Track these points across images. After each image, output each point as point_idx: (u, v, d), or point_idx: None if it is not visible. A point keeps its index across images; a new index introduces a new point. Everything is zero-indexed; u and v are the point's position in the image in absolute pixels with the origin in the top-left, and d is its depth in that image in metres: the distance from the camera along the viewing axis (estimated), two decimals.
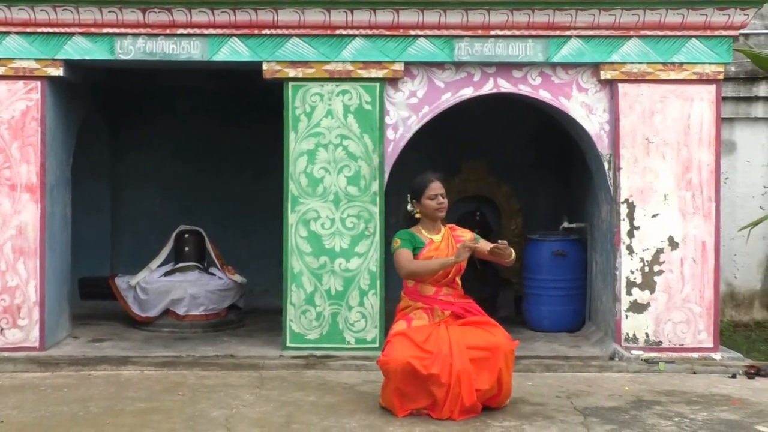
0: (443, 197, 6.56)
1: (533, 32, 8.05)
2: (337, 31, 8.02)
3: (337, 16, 7.95)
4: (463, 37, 8.07)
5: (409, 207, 6.63)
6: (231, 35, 8.03)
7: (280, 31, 8.01)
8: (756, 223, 8.77)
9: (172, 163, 10.68)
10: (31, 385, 7.21)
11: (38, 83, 8.03)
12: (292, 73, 8.09)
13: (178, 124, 10.63)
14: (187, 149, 10.64)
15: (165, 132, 10.66)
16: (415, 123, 8.16)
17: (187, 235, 9.74)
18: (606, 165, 8.22)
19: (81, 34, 7.99)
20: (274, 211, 8.50)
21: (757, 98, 10.40)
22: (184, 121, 10.63)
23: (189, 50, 8.05)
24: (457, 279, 6.61)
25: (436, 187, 6.55)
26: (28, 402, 6.68)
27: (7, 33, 7.95)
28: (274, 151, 8.53)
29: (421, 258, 6.48)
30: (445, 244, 6.57)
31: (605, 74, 8.12)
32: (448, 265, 6.44)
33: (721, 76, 8.14)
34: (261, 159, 10.24)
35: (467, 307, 6.60)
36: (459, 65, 8.18)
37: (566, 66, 8.18)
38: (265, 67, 8.07)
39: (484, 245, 6.58)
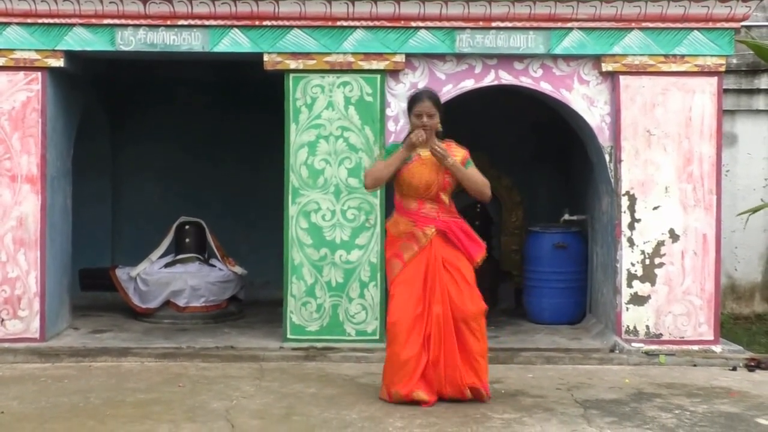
0: (429, 117, 6.49)
1: (534, 24, 8.03)
2: (338, 23, 8.01)
3: (338, 8, 7.94)
4: (464, 28, 8.06)
5: None
6: (232, 26, 8.02)
7: (281, 23, 8.00)
8: (755, 210, 8.76)
9: (173, 155, 10.66)
10: (32, 376, 7.21)
11: (39, 74, 8.02)
12: (293, 64, 8.08)
13: (179, 116, 10.61)
14: (188, 140, 10.63)
15: (166, 123, 10.64)
16: None
17: (187, 227, 9.73)
18: (607, 157, 8.21)
19: (82, 25, 7.98)
20: (275, 202, 8.49)
21: (758, 90, 10.39)
22: (185, 113, 10.61)
23: (190, 41, 8.04)
24: (442, 195, 6.54)
25: (423, 107, 6.51)
26: (28, 393, 6.68)
27: (8, 24, 7.93)
28: (275, 142, 8.52)
29: (405, 171, 6.47)
30: (433, 160, 6.49)
31: (606, 66, 8.11)
32: (399, 159, 6.45)
33: (722, 69, 8.13)
34: (262, 150, 10.23)
35: (451, 225, 6.51)
36: (460, 57, 8.17)
37: (567, 58, 8.17)
38: (266, 58, 8.06)
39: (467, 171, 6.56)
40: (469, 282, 6.49)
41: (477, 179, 6.58)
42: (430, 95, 6.63)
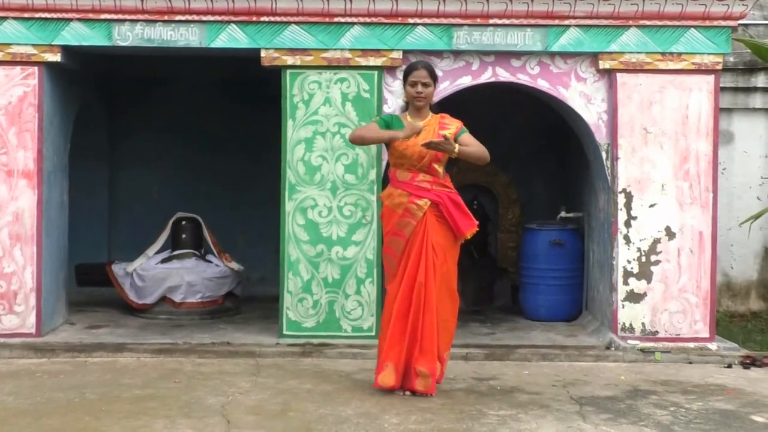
0: (424, 86, 6.55)
1: (532, 21, 8.03)
2: (336, 19, 8.00)
3: (336, 4, 7.94)
4: (461, 25, 8.06)
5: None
6: (229, 22, 8.01)
7: (278, 19, 8.00)
8: (757, 216, 8.75)
9: (169, 150, 10.66)
10: (27, 371, 7.21)
11: (36, 69, 8.01)
12: (290, 60, 8.08)
13: (176, 111, 10.61)
14: (184, 136, 10.62)
15: (163, 119, 10.63)
16: None
17: (184, 223, 9.73)
18: (604, 155, 8.22)
19: (79, 20, 7.96)
20: (272, 198, 8.50)
21: (755, 89, 10.39)
22: (181, 108, 10.60)
23: (187, 37, 8.03)
24: (436, 166, 6.54)
25: (418, 75, 6.57)
26: (24, 388, 6.68)
27: (5, 18, 7.92)
28: (271, 138, 8.52)
29: (398, 141, 6.51)
30: (427, 130, 6.54)
31: (604, 64, 8.11)
32: (395, 138, 6.49)
33: (719, 67, 8.13)
34: (259, 146, 10.23)
35: (443, 197, 6.52)
36: (457, 54, 8.17)
37: (565, 55, 8.18)
38: (263, 54, 8.06)
39: (464, 142, 6.59)
40: (449, 275, 6.55)
41: (477, 152, 6.62)
42: (425, 65, 6.71)
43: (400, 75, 8.12)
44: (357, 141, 6.86)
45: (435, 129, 6.57)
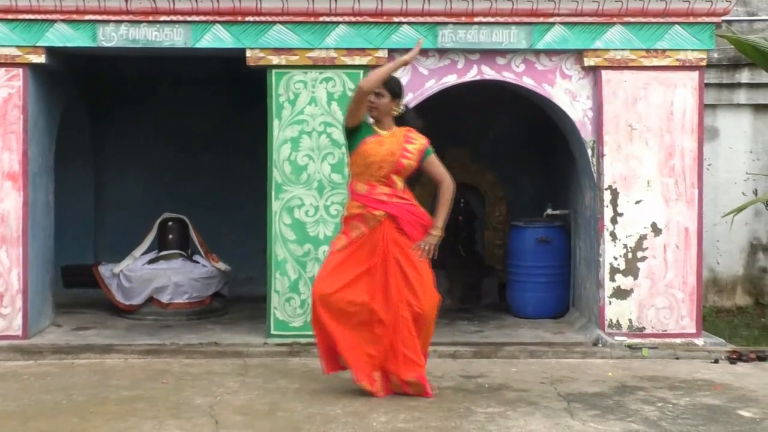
0: (377, 97, 6.47)
1: (517, 19, 8.05)
2: (321, 19, 8.00)
3: (321, 3, 7.93)
4: (446, 24, 8.07)
5: None
6: (214, 22, 8.00)
7: (263, 18, 7.99)
8: (739, 210, 8.81)
9: (155, 150, 10.64)
10: (14, 373, 7.19)
11: (20, 70, 7.98)
12: (275, 60, 8.07)
13: (161, 111, 10.58)
14: (170, 136, 10.60)
15: (148, 119, 10.61)
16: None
17: (170, 223, 9.71)
18: (589, 152, 8.24)
19: (63, 21, 7.94)
20: (258, 198, 8.49)
21: (739, 85, 10.44)
22: (167, 108, 10.57)
23: (172, 37, 8.02)
24: (395, 178, 6.48)
25: None
26: (10, 390, 6.66)
27: None
28: (257, 138, 8.52)
29: (361, 147, 6.45)
30: (391, 141, 6.48)
31: (589, 61, 8.13)
32: (405, 62, 6.55)
33: (703, 63, 8.16)
34: (244, 146, 10.22)
35: (402, 210, 6.45)
36: (443, 52, 8.17)
37: (550, 53, 8.19)
38: (248, 54, 8.05)
39: (433, 165, 6.59)
40: (420, 273, 6.45)
41: (449, 198, 6.57)
42: None
43: None
44: (368, 87, 6.45)
45: (401, 142, 6.50)
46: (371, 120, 6.59)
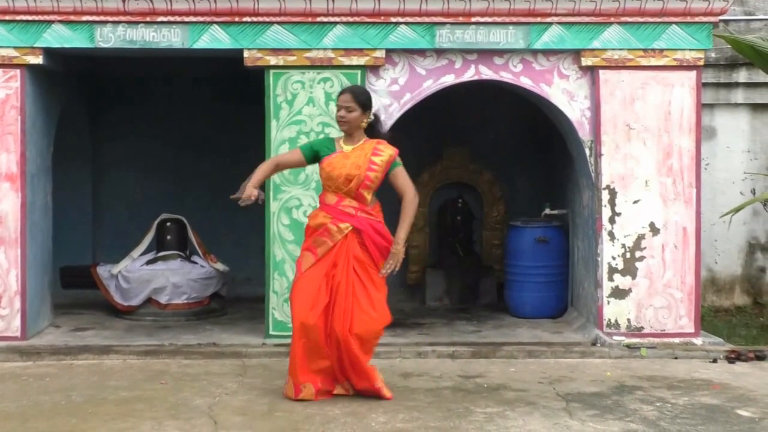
0: (347, 111, 6.46)
1: (514, 19, 8.05)
2: (318, 19, 8.00)
3: (318, 4, 7.93)
4: (444, 24, 8.07)
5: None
6: (211, 23, 8.00)
7: (260, 19, 7.99)
8: (737, 210, 8.82)
9: (153, 151, 10.63)
10: (13, 374, 7.19)
11: (17, 71, 7.98)
12: (273, 60, 8.07)
13: (159, 112, 10.59)
14: (168, 137, 10.60)
15: (146, 119, 10.61)
16: (396, 110, 8.16)
17: (168, 224, 9.71)
18: (587, 151, 8.24)
19: (60, 22, 7.94)
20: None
21: (737, 84, 10.44)
22: (165, 109, 10.58)
23: (169, 38, 8.02)
24: (364, 192, 6.44)
25: (341, 99, 6.52)
26: (9, 391, 6.66)
27: None
28: (255, 138, 8.51)
29: (324, 161, 6.46)
30: (357, 155, 6.45)
31: (586, 61, 8.14)
32: (242, 194, 6.55)
33: (701, 63, 8.17)
34: (243, 146, 10.20)
35: (367, 225, 6.40)
36: (440, 52, 8.18)
37: (547, 53, 8.20)
38: (246, 54, 8.05)
39: (398, 177, 6.51)
40: (378, 292, 6.43)
41: (412, 215, 6.49)
42: (351, 89, 6.65)
43: (383, 74, 8.15)
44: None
45: (367, 155, 6.46)
46: (342, 133, 6.58)
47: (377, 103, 8.09)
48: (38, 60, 7.98)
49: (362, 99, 6.54)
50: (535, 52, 8.19)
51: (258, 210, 8.29)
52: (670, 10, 8.02)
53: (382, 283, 6.48)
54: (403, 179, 6.53)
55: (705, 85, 9.65)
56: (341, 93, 6.59)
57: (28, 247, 8.06)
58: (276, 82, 8.10)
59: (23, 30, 7.93)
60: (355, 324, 6.32)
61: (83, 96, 10.24)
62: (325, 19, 8.01)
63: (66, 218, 9.90)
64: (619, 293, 8.15)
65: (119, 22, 7.96)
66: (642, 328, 8.14)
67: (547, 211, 9.53)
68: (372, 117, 6.60)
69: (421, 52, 8.14)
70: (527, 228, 9.47)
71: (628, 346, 7.92)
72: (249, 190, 6.49)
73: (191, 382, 6.89)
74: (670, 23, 8.07)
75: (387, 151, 6.51)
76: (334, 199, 6.47)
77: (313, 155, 6.58)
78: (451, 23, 8.06)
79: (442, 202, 10.42)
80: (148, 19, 7.96)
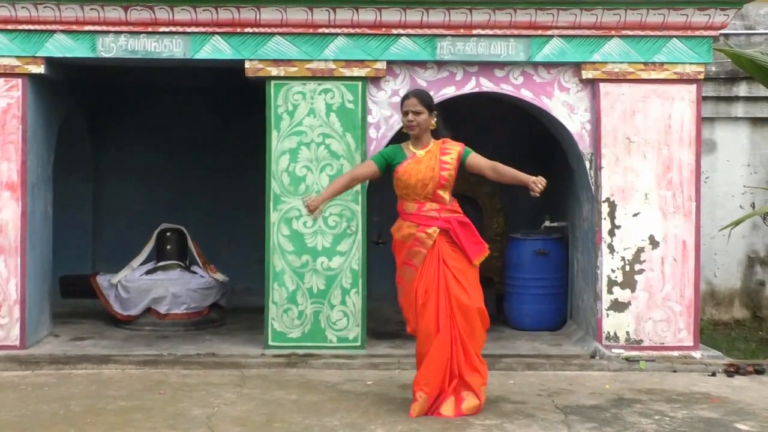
0: (415, 114, 6.54)
1: (515, 32, 8.07)
2: (320, 30, 8.02)
3: (320, 15, 7.95)
4: (445, 36, 8.08)
5: None
6: (213, 33, 8.02)
7: (262, 30, 8.01)
8: (737, 223, 8.82)
9: (153, 161, 10.66)
10: (12, 383, 7.18)
11: (19, 81, 8.00)
12: (274, 71, 8.09)
13: (161, 121, 10.61)
14: (169, 147, 10.62)
15: (147, 129, 10.64)
16: (397, 122, 8.16)
17: (168, 234, 9.71)
18: (587, 164, 8.25)
19: (62, 31, 7.96)
20: (257, 209, 8.50)
21: (737, 98, 10.46)
22: (166, 118, 10.61)
23: (171, 48, 8.03)
24: (441, 192, 6.52)
25: (408, 104, 6.59)
26: (8, 401, 6.65)
27: None
28: (256, 149, 8.53)
29: (399, 170, 6.53)
30: (429, 157, 6.54)
31: (587, 74, 8.15)
32: (305, 203, 6.60)
33: (701, 76, 8.18)
34: (243, 157, 10.24)
35: (452, 222, 6.49)
36: (441, 64, 8.19)
37: (548, 65, 8.21)
38: (247, 65, 8.06)
39: (476, 161, 6.64)
40: (469, 280, 6.52)
41: (507, 173, 6.67)
42: (417, 93, 6.73)
43: (384, 86, 8.16)
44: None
45: (436, 155, 6.56)
46: (411, 138, 6.63)
47: (378, 115, 8.12)
48: (40, 69, 8.00)
49: (428, 101, 6.66)
50: (535, 65, 8.20)
51: (258, 220, 8.31)
52: (671, 24, 8.04)
53: (474, 276, 6.58)
54: (480, 159, 6.65)
55: (705, 98, 9.66)
56: (406, 98, 6.64)
57: (28, 256, 8.06)
58: (277, 93, 8.11)
59: (25, 39, 7.95)
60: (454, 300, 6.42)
61: (85, 106, 10.26)
62: (326, 31, 8.02)
63: (66, 227, 9.92)
64: (619, 306, 8.15)
65: (121, 32, 7.98)
66: (641, 341, 8.14)
67: (547, 223, 9.53)
68: (435, 118, 6.67)
69: (422, 64, 8.16)
70: (527, 240, 9.48)
71: (627, 359, 7.92)
72: (319, 204, 6.60)
73: (190, 393, 6.89)
74: (671, 37, 8.09)
75: (455, 149, 6.63)
76: (414, 207, 6.54)
77: (386, 165, 6.65)
78: (452, 35, 8.08)
79: None
80: (149, 29, 7.98)
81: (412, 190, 6.52)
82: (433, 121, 6.62)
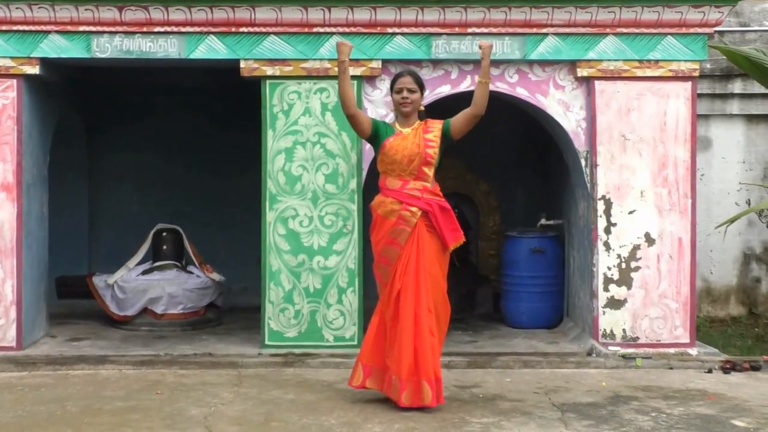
0: (410, 92, 6.61)
1: (510, 30, 8.07)
2: (315, 29, 8.02)
3: (315, 14, 7.95)
4: (440, 34, 8.09)
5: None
6: (208, 33, 8.02)
7: (257, 29, 8.01)
8: (732, 220, 8.83)
9: (150, 161, 10.64)
10: (8, 384, 7.17)
11: (14, 81, 7.99)
12: (269, 71, 8.09)
13: (156, 122, 10.59)
14: (165, 147, 10.61)
15: (143, 129, 10.62)
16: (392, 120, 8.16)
17: (165, 234, 9.71)
18: (583, 162, 8.26)
19: (57, 32, 7.95)
20: (253, 209, 8.50)
21: (732, 95, 10.47)
22: (162, 119, 10.59)
23: (166, 48, 8.03)
24: (426, 170, 6.58)
25: (403, 81, 6.66)
26: (4, 402, 6.65)
27: None
28: (252, 148, 8.52)
29: (386, 145, 6.57)
30: (414, 134, 6.61)
31: (582, 71, 8.16)
32: (341, 67, 6.57)
33: (696, 73, 8.19)
34: (239, 157, 10.22)
35: (433, 205, 6.53)
36: (436, 63, 8.19)
37: (543, 63, 8.22)
38: (242, 65, 8.06)
39: (457, 119, 6.69)
40: (441, 267, 6.59)
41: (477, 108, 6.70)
42: (411, 72, 6.83)
43: (379, 84, 8.16)
44: (344, 103, 6.68)
45: (420, 133, 6.61)
46: (403, 115, 6.68)
47: (373, 114, 8.12)
48: (35, 70, 7.99)
49: (421, 81, 6.78)
50: (530, 63, 8.21)
51: (254, 220, 8.31)
52: (666, 21, 8.05)
53: (444, 279, 6.63)
54: (459, 115, 6.70)
55: (700, 95, 9.67)
56: (401, 76, 6.70)
57: (23, 257, 8.05)
58: (272, 93, 8.11)
59: (20, 40, 7.94)
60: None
61: (80, 106, 10.24)
62: (321, 30, 8.02)
63: (62, 228, 9.90)
64: (615, 303, 8.16)
65: (116, 33, 7.98)
66: (637, 338, 8.15)
67: (543, 221, 9.54)
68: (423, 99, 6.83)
69: (418, 63, 8.16)
70: (523, 238, 9.48)
71: (624, 357, 7.93)
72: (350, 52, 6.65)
73: (187, 393, 6.89)
74: (666, 34, 8.10)
75: (436, 125, 6.68)
76: (398, 183, 6.57)
77: (375, 131, 6.68)
78: (448, 34, 8.08)
79: None
80: (144, 29, 7.97)
81: (397, 166, 6.55)
82: (421, 101, 6.73)
